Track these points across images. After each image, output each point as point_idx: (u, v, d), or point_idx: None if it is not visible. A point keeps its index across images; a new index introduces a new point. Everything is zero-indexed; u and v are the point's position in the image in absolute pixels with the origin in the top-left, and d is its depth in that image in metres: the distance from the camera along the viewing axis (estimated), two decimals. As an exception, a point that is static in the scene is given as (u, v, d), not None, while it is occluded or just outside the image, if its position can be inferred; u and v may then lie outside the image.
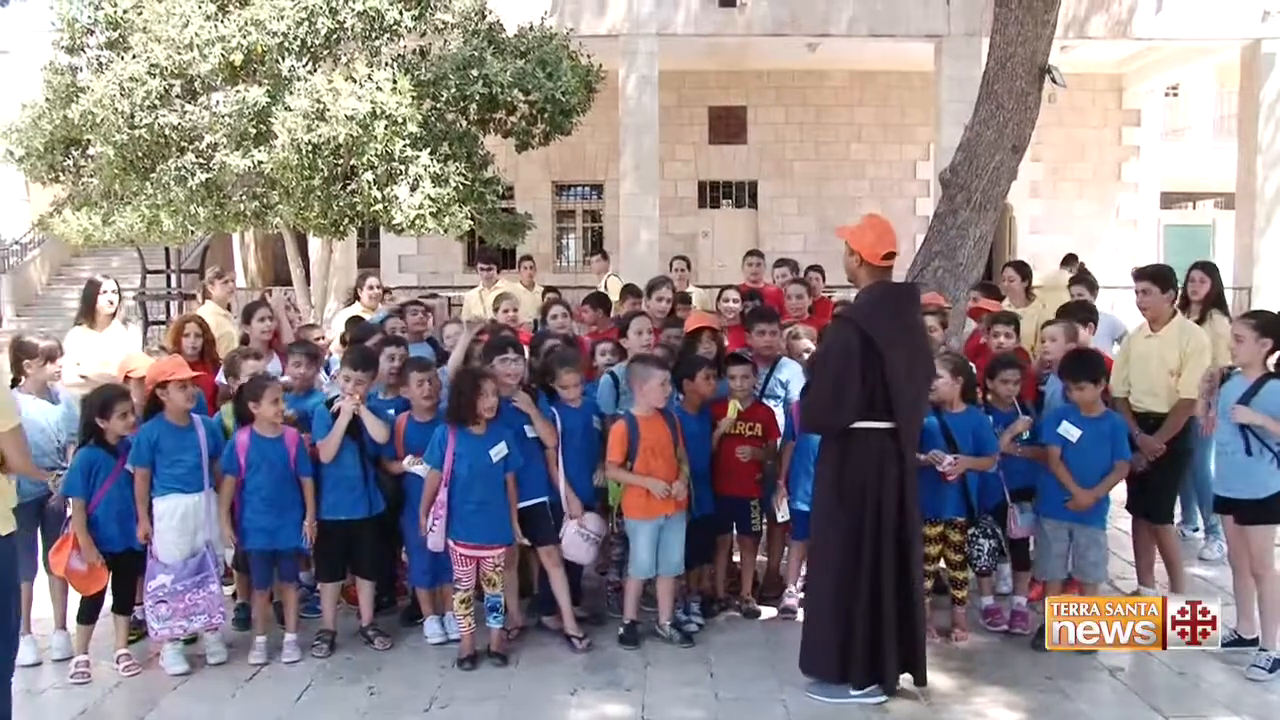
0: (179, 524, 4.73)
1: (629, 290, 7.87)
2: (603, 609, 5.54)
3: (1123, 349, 5.83)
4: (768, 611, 5.52)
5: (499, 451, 4.83)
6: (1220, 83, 22.96)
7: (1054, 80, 8.27)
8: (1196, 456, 6.35)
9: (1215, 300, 6.41)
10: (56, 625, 5.05)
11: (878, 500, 4.32)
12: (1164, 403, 5.38)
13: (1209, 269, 6.55)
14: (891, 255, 4.41)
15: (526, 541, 5.11)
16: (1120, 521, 6.22)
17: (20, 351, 5.01)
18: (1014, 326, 5.94)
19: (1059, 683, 4.61)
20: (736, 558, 5.76)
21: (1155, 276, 5.49)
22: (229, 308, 7.50)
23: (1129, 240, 20.69)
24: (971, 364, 5.41)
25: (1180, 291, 5.62)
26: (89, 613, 4.83)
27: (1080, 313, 6.15)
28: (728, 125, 20.07)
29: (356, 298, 8.31)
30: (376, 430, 5.03)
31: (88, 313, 6.25)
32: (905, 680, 4.46)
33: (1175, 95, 23.67)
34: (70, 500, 4.71)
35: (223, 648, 4.98)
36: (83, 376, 5.85)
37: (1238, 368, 4.83)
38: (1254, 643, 4.81)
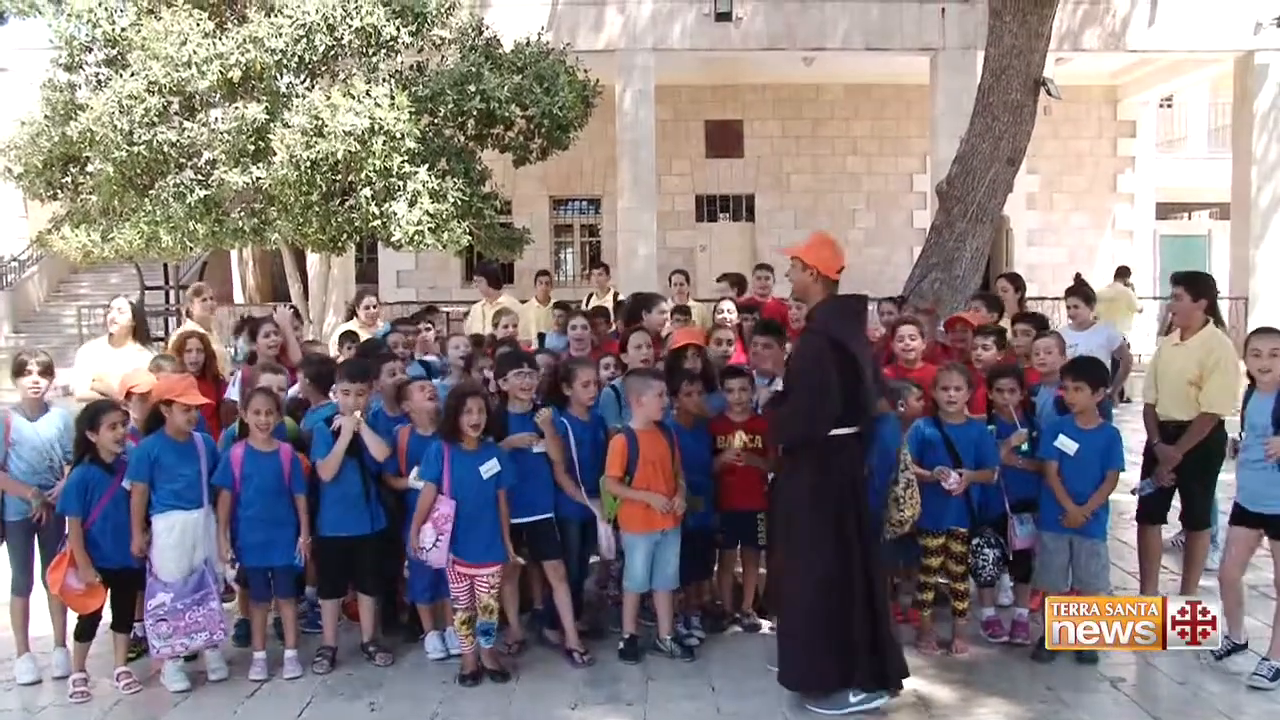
0: (177, 541, 4.71)
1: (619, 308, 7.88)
2: (603, 623, 5.53)
3: (1154, 357, 5.83)
4: (768, 625, 5.50)
5: (490, 469, 4.82)
6: (1214, 94, 23.06)
7: (1049, 92, 8.32)
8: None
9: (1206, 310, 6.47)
10: (56, 642, 5.03)
11: (857, 503, 4.41)
12: (1184, 411, 5.37)
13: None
14: (842, 269, 4.55)
15: (521, 560, 5.10)
16: (1119, 532, 6.23)
17: (17, 366, 5.00)
18: (996, 339, 5.94)
19: (1060, 693, 4.60)
20: (738, 568, 5.74)
21: (1188, 282, 5.45)
22: (210, 326, 7.46)
23: (1125, 251, 20.73)
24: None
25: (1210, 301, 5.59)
26: (86, 630, 4.80)
27: (1032, 321, 6.21)
28: (724, 139, 20.12)
29: (354, 314, 8.31)
30: (376, 448, 5.02)
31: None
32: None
33: (1170, 107, 23.76)
34: (66, 518, 4.67)
35: (223, 664, 4.97)
36: (100, 394, 5.84)
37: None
38: (1244, 647, 4.85)
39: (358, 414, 4.98)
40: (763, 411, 5.21)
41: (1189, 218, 25.05)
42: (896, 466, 4.86)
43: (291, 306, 9.74)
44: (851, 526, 4.38)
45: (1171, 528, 5.84)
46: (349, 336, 7.13)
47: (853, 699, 4.38)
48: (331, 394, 5.35)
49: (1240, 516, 4.83)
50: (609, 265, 11.12)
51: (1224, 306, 16.29)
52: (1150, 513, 5.60)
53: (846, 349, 4.33)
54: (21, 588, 5.02)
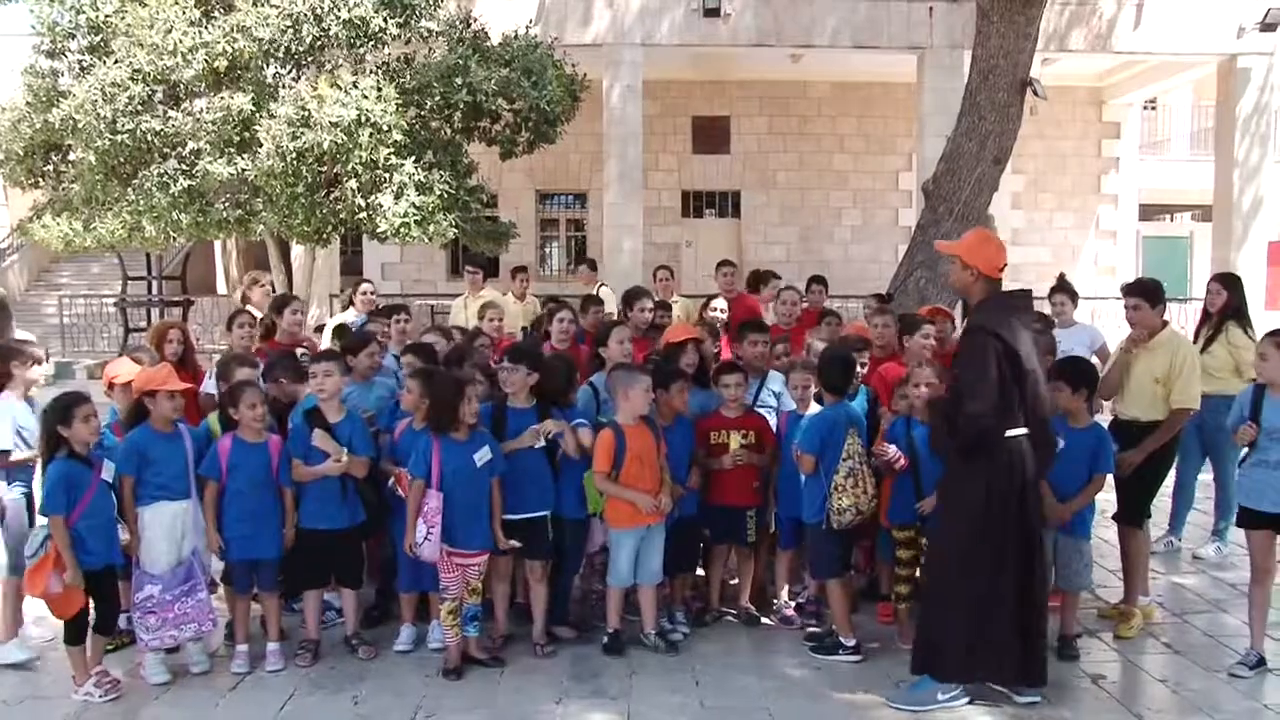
0: (165, 532, 4.67)
1: (591, 300, 7.77)
2: (588, 618, 5.52)
3: (1113, 360, 5.88)
4: (766, 619, 5.51)
5: (483, 456, 4.81)
6: (1197, 97, 23.24)
7: (1035, 92, 8.37)
8: (1186, 471, 6.42)
9: (1233, 312, 6.46)
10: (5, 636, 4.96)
11: (1028, 505, 4.37)
12: (1148, 411, 5.43)
13: (1227, 280, 6.63)
14: (1004, 266, 4.49)
15: (515, 543, 4.99)
16: (1101, 530, 6.26)
17: (8, 354, 5.02)
18: None
19: (1042, 690, 4.62)
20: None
21: (1145, 292, 5.53)
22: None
23: (1108, 251, 20.90)
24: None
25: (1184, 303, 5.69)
26: (77, 634, 4.62)
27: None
28: (711, 135, 20.15)
29: (351, 302, 8.30)
30: (356, 467, 5.00)
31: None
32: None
33: (1153, 109, 23.92)
34: (49, 517, 4.48)
35: (205, 657, 4.93)
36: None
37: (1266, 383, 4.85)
38: (1263, 663, 4.82)
39: (345, 456, 4.92)
40: (930, 418, 4.82)
41: (1171, 219, 25.25)
42: (839, 455, 4.88)
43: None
44: (1020, 530, 4.35)
45: (1156, 528, 5.85)
46: (340, 331, 7.10)
47: (941, 696, 4.40)
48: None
49: (1253, 519, 4.81)
50: (595, 261, 11.10)
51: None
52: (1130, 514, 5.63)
53: (1010, 346, 4.28)
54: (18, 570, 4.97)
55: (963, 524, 4.42)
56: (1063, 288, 7.19)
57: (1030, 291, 4.74)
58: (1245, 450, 4.89)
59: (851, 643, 4.97)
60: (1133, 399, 5.52)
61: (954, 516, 4.48)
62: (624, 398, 5.00)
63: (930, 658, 4.49)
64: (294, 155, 10.02)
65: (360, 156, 10.12)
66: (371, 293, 8.17)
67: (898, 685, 4.58)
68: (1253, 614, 4.89)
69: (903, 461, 4.98)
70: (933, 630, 4.48)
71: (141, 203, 10.77)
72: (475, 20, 12.51)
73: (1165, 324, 5.58)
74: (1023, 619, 4.37)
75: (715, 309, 7.32)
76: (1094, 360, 6.63)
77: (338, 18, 10.66)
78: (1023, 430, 4.36)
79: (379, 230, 10.77)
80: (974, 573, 4.37)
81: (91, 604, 4.63)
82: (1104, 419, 5.46)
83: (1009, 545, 4.34)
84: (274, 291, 13.05)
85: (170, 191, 10.68)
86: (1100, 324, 10.99)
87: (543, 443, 5.01)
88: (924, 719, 4.38)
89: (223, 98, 10.43)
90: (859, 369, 5.35)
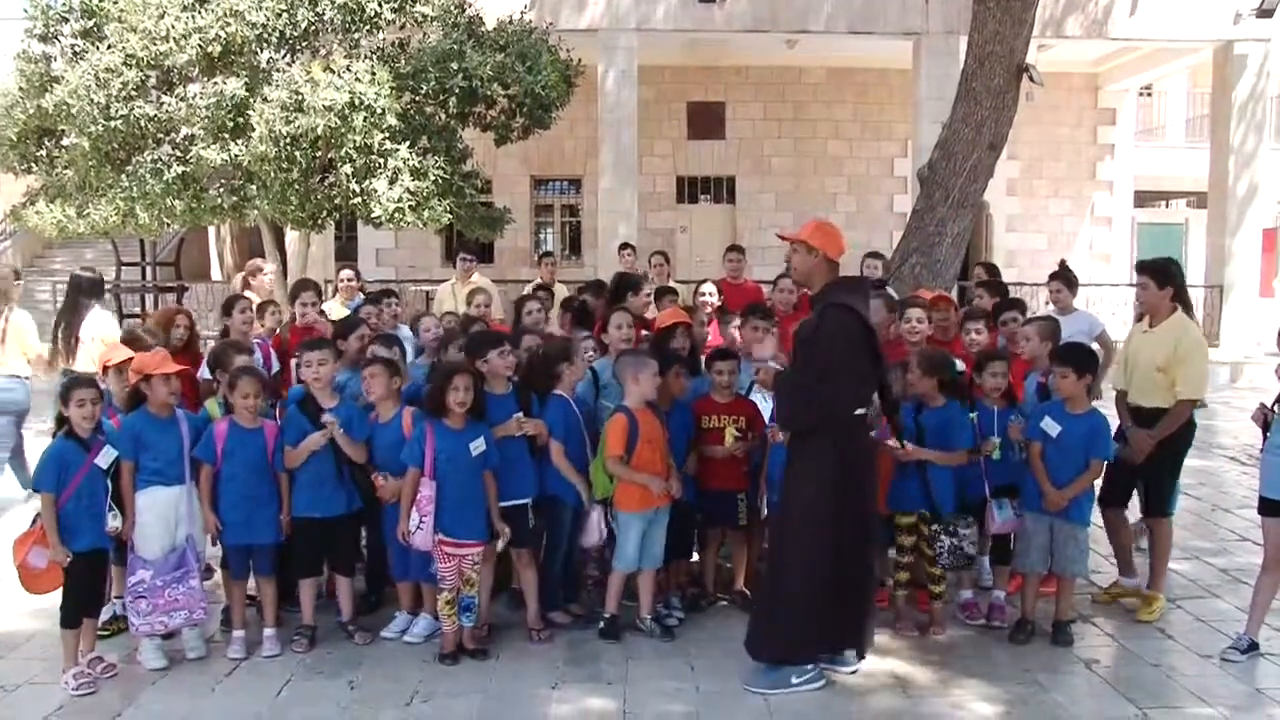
0: (159, 518, 4.67)
1: (596, 286, 7.75)
2: (584, 603, 5.52)
3: (1124, 345, 5.87)
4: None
5: (478, 446, 4.80)
6: (1193, 83, 23.22)
7: (1031, 78, 8.35)
8: None
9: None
10: None
11: (871, 479, 4.62)
12: (1150, 398, 5.40)
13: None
14: (843, 251, 4.64)
15: (508, 533, 5.05)
16: (1097, 516, 6.29)
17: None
18: (985, 323, 6.01)
19: (1036, 675, 4.66)
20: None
21: (1153, 271, 5.47)
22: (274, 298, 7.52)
23: (1103, 238, 20.91)
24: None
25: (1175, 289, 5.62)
26: (70, 615, 4.61)
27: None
28: (706, 121, 20.09)
29: (337, 290, 8.32)
30: (354, 452, 4.99)
31: None
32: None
33: (1149, 95, 23.90)
34: (39, 494, 4.53)
35: (202, 643, 4.93)
36: None
37: None
38: (1256, 647, 4.86)
39: (335, 428, 4.92)
40: (780, 391, 4.72)
41: (1166, 206, 25.25)
42: None
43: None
44: (868, 503, 4.57)
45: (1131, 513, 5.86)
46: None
47: (795, 680, 4.46)
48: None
49: (1270, 507, 4.81)
50: (586, 248, 11.05)
51: (1199, 295, 16.57)
52: (1109, 498, 5.63)
53: (868, 324, 4.46)
54: None
55: (811, 506, 4.45)
56: (1060, 274, 7.16)
57: (868, 279, 4.83)
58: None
59: None
60: (1136, 386, 5.50)
61: (802, 499, 4.50)
62: (633, 381, 5.01)
63: (780, 647, 4.53)
64: (287, 140, 9.97)
65: (354, 141, 10.07)
66: (350, 279, 8.17)
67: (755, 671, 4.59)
68: (1256, 599, 4.90)
69: (908, 448, 4.98)
70: (782, 617, 4.52)
71: (135, 189, 10.70)
72: (470, 5, 12.42)
73: (1174, 308, 5.45)
74: (867, 588, 4.64)
75: (705, 294, 7.32)
76: (1094, 347, 6.65)
77: (332, 2, 10.60)
78: (865, 409, 4.54)
79: (373, 216, 10.74)
80: (824, 553, 4.42)
81: (61, 591, 4.58)
82: (1102, 405, 5.46)
83: (852, 520, 4.46)
84: (281, 278, 13.14)
85: (164, 177, 10.62)
86: (1094, 310, 11.00)
87: (522, 432, 5.02)
88: (775, 700, 4.40)
89: (216, 83, 10.36)
90: None
